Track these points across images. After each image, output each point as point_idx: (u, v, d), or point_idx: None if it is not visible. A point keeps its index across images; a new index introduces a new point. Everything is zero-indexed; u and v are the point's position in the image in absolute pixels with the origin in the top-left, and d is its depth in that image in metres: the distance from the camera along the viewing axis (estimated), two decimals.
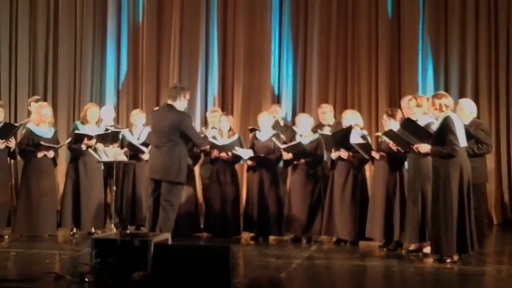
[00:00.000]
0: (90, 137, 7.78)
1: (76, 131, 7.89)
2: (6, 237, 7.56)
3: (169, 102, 6.89)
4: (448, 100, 6.30)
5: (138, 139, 8.16)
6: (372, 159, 7.22)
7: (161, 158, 6.81)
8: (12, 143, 7.58)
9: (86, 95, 10.78)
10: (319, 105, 9.48)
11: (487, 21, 9.87)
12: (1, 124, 7.52)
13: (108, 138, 7.92)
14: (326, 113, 8.11)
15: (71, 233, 7.88)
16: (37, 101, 8.55)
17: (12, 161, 8.32)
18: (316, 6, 10.38)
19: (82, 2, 10.93)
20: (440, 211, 6.17)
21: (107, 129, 8.03)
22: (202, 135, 7.64)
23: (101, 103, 10.53)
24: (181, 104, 6.90)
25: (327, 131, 7.77)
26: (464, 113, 6.91)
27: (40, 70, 10.94)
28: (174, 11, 10.76)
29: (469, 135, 6.51)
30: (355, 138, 7.22)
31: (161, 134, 6.85)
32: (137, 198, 8.14)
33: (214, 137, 8.00)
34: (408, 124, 6.52)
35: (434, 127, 6.36)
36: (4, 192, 7.72)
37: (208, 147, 7.88)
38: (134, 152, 8.03)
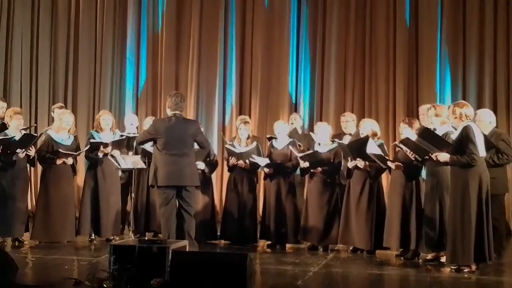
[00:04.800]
0: (105, 145, 7.80)
1: (92, 140, 7.90)
2: (26, 242, 7.61)
3: (179, 112, 7.03)
4: (468, 110, 6.27)
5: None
6: (389, 168, 7.19)
7: (183, 165, 6.91)
8: (31, 152, 7.63)
9: (106, 103, 10.86)
10: (336, 113, 9.53)
11: (506, 32, 9.84)
12: (22, 134, 7.58)
13: (123, 144, 7.97)
14: (349, 122, 8.08)
15: (90, 239, 7.92)
16: (60, 107, 8.63)
17: (32, 168, 8.37)
18: (334, 15, 10.41)
19: (102, 11, 11.03)
20: (458, 221, 6.13)
21: (122, 135, 8.07)
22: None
23: (120, 111, 10.66)
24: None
25: (347, 140, 7.73)
26: (483, 123, 6.88)
27: (60, 78, 11.06)
28: (193, 20, 10.83)
29: (489, 145, 6.46)
30: (371, 148, 7.19)
31: (181, 143, 6.95)
32: (151, 204, 8.11)
33: (232, 145, 8.03)
34: (426, 133, 6.51)
35: (454, 136, 6.33)
36: (23, 199, 7.76)
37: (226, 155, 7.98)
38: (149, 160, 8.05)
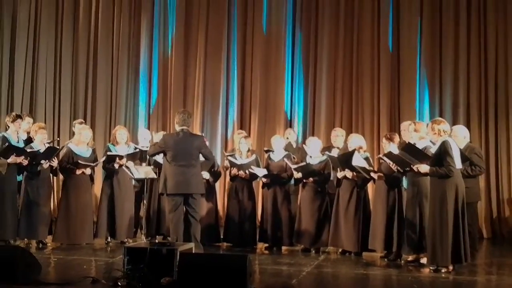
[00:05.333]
0: (121, 157, 7.79)
1: (108, 153, 7.88)
2: (49, 244, 7.57)
3: (186, 128, 7.04)
4: (445, 126, 6.28)
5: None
6: (373, 179, 7.17)
7: (190, 175, 6.91)
8: (54, 163, 7.60)
9: (121, 119, 10.83)
10: (326, 128, 9.51)
11: (477, 56, 9.85)
12: (46, 147, 7.54)
13: (137, 156, 7.95)
14: (338, 136, 8.02)
15: (106, 241, 7.87)
16: (80, 123, 8.59)
17: (54, 177, 8.34)
18: (325, 41, 10.42)
19: (118, 37, 11.06)
20: (437, 226, 6.11)
21: (136, 148, 8.04)
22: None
23: (134, 126, 10.64)
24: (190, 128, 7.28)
25: (335, 152, 7.71)
26: (458, 138, 6.86)
27: (80, 96, 11.05)
28: (199, 45, 10.85)
29: (464, 158, 6.45)
30: (357, 161, 7.17)
31: (188, 155, 6.95)
32: (162, 210, 8.04)
33: (233, 157, 8.01)
34: (409, 147, 6.51)
35: (433, 150, 6.33)
36: (47, 204, 7.72)
37: (228, 165, 7.97)
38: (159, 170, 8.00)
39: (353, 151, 7.23)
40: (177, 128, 7.12)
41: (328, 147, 8.11)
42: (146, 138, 8.55)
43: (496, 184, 9.59)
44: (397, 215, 6.92)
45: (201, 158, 7.20)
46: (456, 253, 6.05)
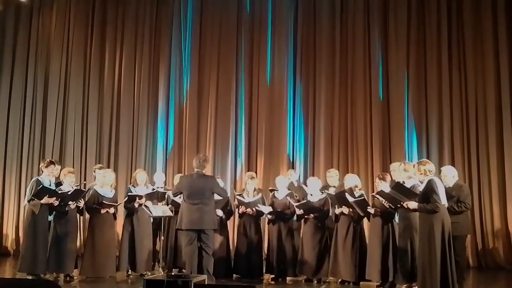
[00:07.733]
0: (140, 197, 7.81)
1: (129, 193, 7.91)
2: (75, 277, 7.52)
3: (200, 170, 7.12)
4: (430, 166, 6.28)
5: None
6: (368, 215, 7.14)
7: (203, 212, 6.92)
8: (81, 203, 7.62)
9: (141, 162, 10.86)
10: (325, 169, 9.47)
11: (459, 103, 9.90)
12: (73, 189, 7.58)
13: (155, 196, 7.95)
14: (332, 177, 8.06)
15: (127, 274, 7.82)
16: (100, 168, 8.62)
17: (81, 216, 8.33)
18: (322, 90, 10.50)
19: (139, 88, 11.15)
20: (426, 257, 6.05)
21: (154, 189, 8.06)
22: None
23: (152, 168, 10.64)
24: (206, 171, 7.33)
25: (331, 191, 7.71)
26: (447, 177, 6.88)
27: (105, 143, 11.09)
28: (211, 95, 10.94)
29: (449, 196, 6.43)
30: (350, 199, 7.16)
31: (201, 194, 7.00)
32: (178, 245, 8.01)
33: (241, 196, 8.02)
34: (398, 186, 6.51)
35: (420, 188, 6.32)
36: (74, 241, 7.69)
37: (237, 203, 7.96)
38: (177, 208, 8.01)
39: (349, 189, 7.24)
40: (194, 170, 7.19)
41: (325, 187, 8.10)
42: (161, 180, 8.59)
43: (480, 218, 9.51)
44: (391, 247, 6.85)
45: (217, 197, 7.23)
46: (444, 282, 5.97)
